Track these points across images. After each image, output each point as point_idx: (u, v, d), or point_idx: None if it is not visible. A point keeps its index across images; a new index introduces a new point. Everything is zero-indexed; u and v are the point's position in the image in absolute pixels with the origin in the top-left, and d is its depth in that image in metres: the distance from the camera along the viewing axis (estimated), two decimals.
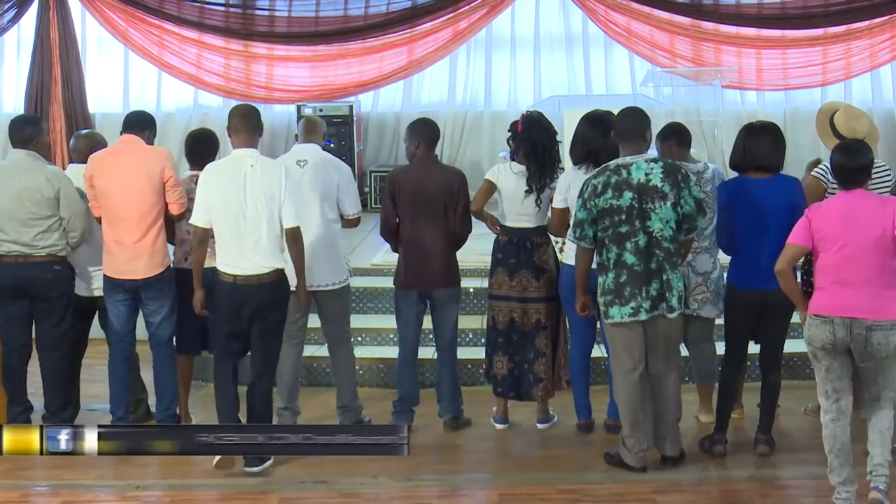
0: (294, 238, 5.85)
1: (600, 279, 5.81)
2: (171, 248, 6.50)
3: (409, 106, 12.70)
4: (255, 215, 5.78)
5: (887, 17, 11.94)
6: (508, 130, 6.52)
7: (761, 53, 12.25)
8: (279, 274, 5.86)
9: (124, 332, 6.32)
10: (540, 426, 6.63)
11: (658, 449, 5.96)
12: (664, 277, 5.71)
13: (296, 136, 6.71)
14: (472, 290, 7.78)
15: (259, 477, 5.91)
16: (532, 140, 6.36)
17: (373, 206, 11.40)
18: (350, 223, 6.55)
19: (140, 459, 6.21)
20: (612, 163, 5.79)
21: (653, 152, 6.07)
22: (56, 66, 12.31)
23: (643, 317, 5.71)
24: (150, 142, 6.46)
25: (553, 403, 6.70)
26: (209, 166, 6.01)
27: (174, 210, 6.23)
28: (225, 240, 5.82)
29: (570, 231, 5.91)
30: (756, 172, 5.88)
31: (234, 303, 5.81)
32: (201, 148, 6.51)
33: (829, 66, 12.18)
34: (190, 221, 5.95)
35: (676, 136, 6.47)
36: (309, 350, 6.92)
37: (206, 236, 5.86)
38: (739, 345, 6.06)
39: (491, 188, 6.44)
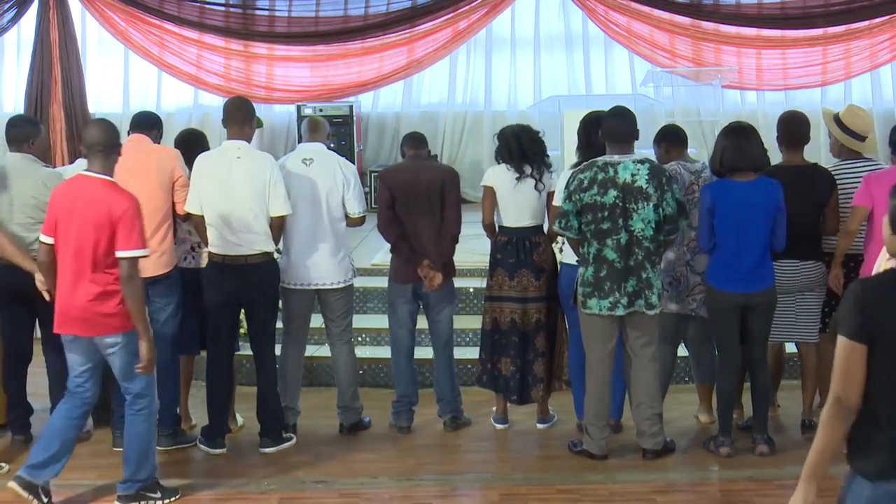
0: (279, 227, 6.18)
1: (580, 270, 5.93)
2: None
3: (409, 106, 12.71)
4: (241, 203, 6.09)
5: (887, 17, 11.93)
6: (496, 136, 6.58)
7: (761, 53, 12.24)
8: (267, 256, 6.19)
9: None
10: (540, 426, 6.63)
11: (638, 441, 6.06)
12: (643, 275, 5.81)
13: (299, 135, 6.72)
14: (472, 289, 7.78)
15: (259, 477, 5.91)
16: (516, 136, 6.41)
17: (373, 205, 11.38)
18: (355, 222, 6.57)
19: None
20: (600, 159, 5.85)
21: (641, 152, 6.07)
22: (56, 66, 12.29)
23: (620, 312, 5.84)
24: (156, 141, 6.48)
25: (553, 403, 6.70)
26: (200, 156, 6.30)
27: (180, 210, 6.24)
28: (214, 225, 6.13)
29: (556, 221, 5.96)
30: (741, 175, 5.87)
31: (221, 279, 6.14)
32: (188, 146, 6.53)
33: (829, 66, 12.17)
34: (185, 208, 6.20)
35: (668, 139, 6.49)
36: (309, 350, 6.92)
37: (201, 222, 6.17)
38: (731, 348, 6.04)
39: (491, 193, 6.45)
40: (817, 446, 3.30)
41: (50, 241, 5.39)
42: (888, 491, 3.11)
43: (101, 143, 5.35)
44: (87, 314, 5.29)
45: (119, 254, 5.23)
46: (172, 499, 5.64)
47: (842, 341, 3.25)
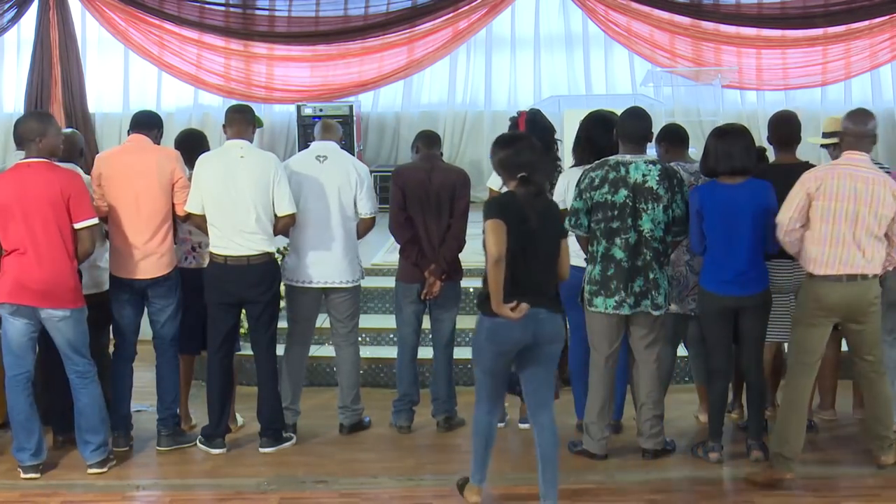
0: (284, 226, 6.21)
1: (588, 268, 5.92)
2: None
3: (409, 106, 12.72)
4: (244, 202, 6.07)
5: (887, 17, 11.95)
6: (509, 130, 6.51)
7: (761, 53, 12.26)
8: (268, 256, 6.18)
9: (130, 331, 6.32)
10: (522, 426, 6.62)
11: (639, 441, 6.08)
12: (650, 276, 5.81)
13: (298, 136, 6.70)
14: (472, 289, 7.78)
15: (259, 477, 5.91)
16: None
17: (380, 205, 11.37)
18: (367, 224, 6.54)
19: (140, 459, 6.24)
20: (612, 158, 5.85)
21: (651, 153, 6.09)
22: (56, 66, 12.32)
23: (626, 311, 5.84)
24: (157, 141, 6.46)
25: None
26: (202, 156, 6.27)
27: (180, 211, 6.23)
28: (216, 225, 6.11)
29: (566, 219, 5.94)
30: (728, 177, 5.86)
31: (223, 280, 6.13)
32: (188, 146, 6.53)
33: (829, 66, 12.19)
34: (185, 208, 6.18)
35: (668, 139, 6.48)
36: (310, 350, 6.91)
37: (202, 222, 6.16)
38: (721, 352, 6.00)
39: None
40: (493, 287, 5.03)
41: None
42: (506, 335, 5.15)
43: (37, 133, 5.78)
44: (49, 287, 5.73)
45: (76, 225, 5.74)
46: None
47: (491, 222, 5.04)
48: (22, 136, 5.88)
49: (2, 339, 5.91)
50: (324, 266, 6.40)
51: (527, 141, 5.31)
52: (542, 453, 5.32)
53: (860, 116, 5.71)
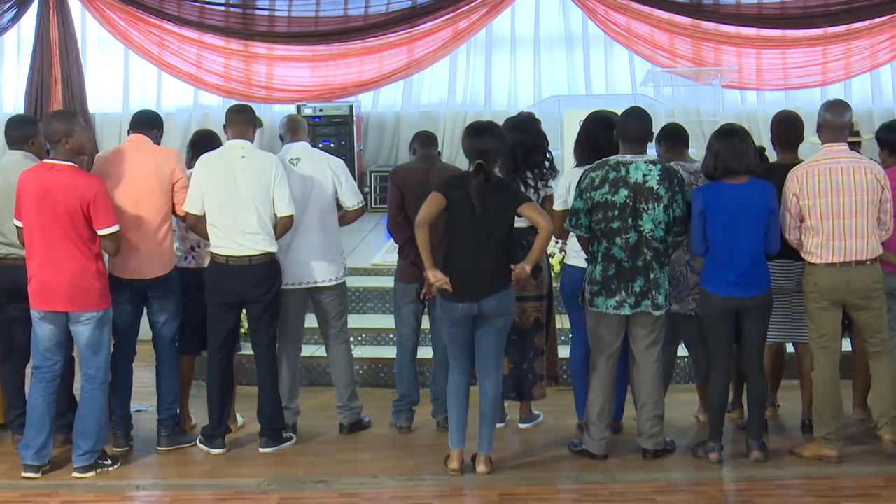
0: (284, 227, 6.17)
1: (588, 269, 5.93)
2: None
3: (409, 106, 12.71)
4: (245, 202, 6.07)
5: (887, 17, 11.94)
6: None
7: (761, 53, 12.25)
8: (270, 257, 6.17)
9: (130, 332, 6.32)
10: (523, 426, 6.63)
11: (639, 441, 6.08)
12: (651, 276, 5.81)
13: (281, 136, 6.67)
14: None
15: (259, 477, 5.91)
16: (519, 144, 6.32)
17: (373, 205, 11.38)
18: (355, 214, 6.56)
19: (140, 459, 6.24)
20: (612, 158, 5.85)
21: (652, 152, 6.09)
22: (56, 66, 12.31)
23: (626, 311, 5.84)
24: (157, 141, 6.45)
25: (552, 403, 6.71)
26: (203, 156, 6.26)
27: (180, 212, 6.22)
28: (217, 225, 6.11)
29: (566, 219, 5.95)
30: (732, 177, 5.86)
31: (224, 280, 6.14)
32: (202, 148, 6.51)
33: (829, 66, 12.18)
34: (184, 208, 6.17)
35: (669, 139, 6.47)
36: (309, 350, 6.93)
37: (197, 222, 6.17)
38: (722, 352, 6.00)
39: None
40: (422, 246, 5.61)
41: (20, 224, 5.88)
42: (452, 307, 5.68)
43: (63, 134, 5.77)
44: (69, 290, 5.78)
45: (99, 232, 5.76)
46: (118, 465, 6.07)
47: (432, 193, 5.68)
48: (48, 138, 5.92)
49: (32, 336, 5.98)
50: (305, 267, 6.41)
51: (491, 132, 5.75)
52: (481, 412, 5.86)
53: (838, 108, 5.94)
